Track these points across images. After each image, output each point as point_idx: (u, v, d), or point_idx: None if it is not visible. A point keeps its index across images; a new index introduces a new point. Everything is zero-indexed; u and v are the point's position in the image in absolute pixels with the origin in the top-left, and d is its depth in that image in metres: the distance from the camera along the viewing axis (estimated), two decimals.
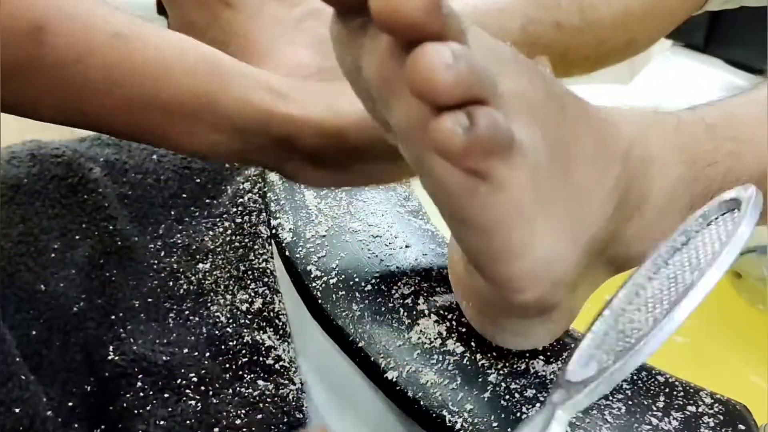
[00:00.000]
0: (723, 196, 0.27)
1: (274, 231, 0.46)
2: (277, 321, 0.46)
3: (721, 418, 0.34)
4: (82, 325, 0.44)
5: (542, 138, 0.27)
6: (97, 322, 0.44)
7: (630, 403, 0.34)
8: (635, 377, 0.36)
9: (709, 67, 0.96)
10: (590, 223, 0.30)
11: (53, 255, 0.47)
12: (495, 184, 0.24)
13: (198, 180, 0.57)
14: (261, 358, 0.42)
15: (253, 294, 0.47)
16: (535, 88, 0.28)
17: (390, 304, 0.39)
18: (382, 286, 0.40)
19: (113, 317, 0.44)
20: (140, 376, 0.40)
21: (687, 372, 0.38)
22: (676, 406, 0.34)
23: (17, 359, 0.38)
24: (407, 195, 0.49)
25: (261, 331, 0.45)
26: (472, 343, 0.37)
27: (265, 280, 0.48)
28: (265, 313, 0.46)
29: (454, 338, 0.37)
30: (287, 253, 0.44)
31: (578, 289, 0.33)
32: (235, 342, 0.43)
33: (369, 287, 0.40)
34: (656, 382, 0.35)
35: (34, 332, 0.43)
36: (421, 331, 0.37)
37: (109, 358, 0.41)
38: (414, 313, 0.38)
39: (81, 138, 0.55)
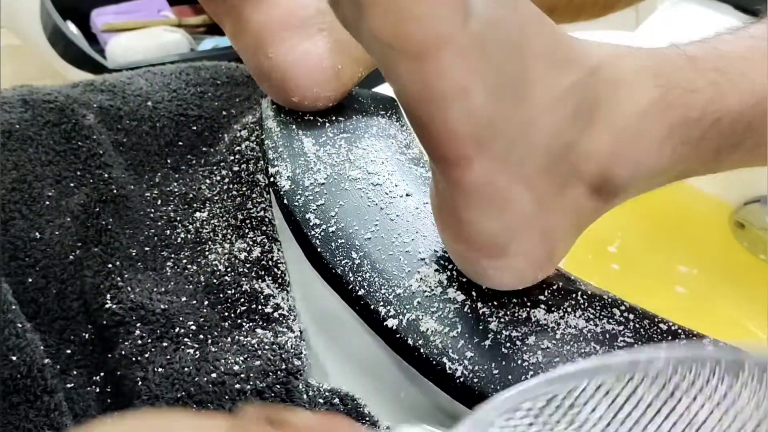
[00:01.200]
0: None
1: (272, 179, 0.45)
2: (275, 270, 0.45)
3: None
4: (78, 274, 0.43)
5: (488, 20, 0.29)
6: (93, 270, 0.43)
7: (632, 350, 0.34)
8: (638, 325, 0.35)
9: (717, 12, 0.94)
10: (540, 111, 0.31)
11: (48, 202, 0.46)
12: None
13: (194, 127, 0.56)
14: (260, 307, 0.41)
15: (251, 243, 0.46)
16: None
17: (390, 253, 0.39)
18: (382, 235, 0.40)
19: (110, 266, 0.44)
20: (138, 324, 0.40)
21: (685, 322, 0.38)
22: None
23: (13, 307, 0.37)
24: (407, 143, 0.48)
25: (260, 280, 0.44)
26: (473, 292, 0.36)
27: (264, 228, 0.48)
28: (263, 262, 0.45)
29: (455, 287, 0.36)
30: (285, 201, 0.43)
31: (556, 209, 0.33)
32: (233, 291, 0.43)
33: (368, 236, 0.40)
34: (659, 330, 0.35)
35: (30, 280, 0.42)
36: (421, 279, 0.37)
37: (107, 306, 0.41)
38: (414, 261, 0.38)
39: (73, 84, 0.54)
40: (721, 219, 0.77)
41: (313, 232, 0.41)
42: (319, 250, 0.40)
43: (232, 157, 0.53)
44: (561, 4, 0.59)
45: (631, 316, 0.36)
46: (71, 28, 0.91)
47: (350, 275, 0.38)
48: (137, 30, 0.91)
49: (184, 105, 0.57)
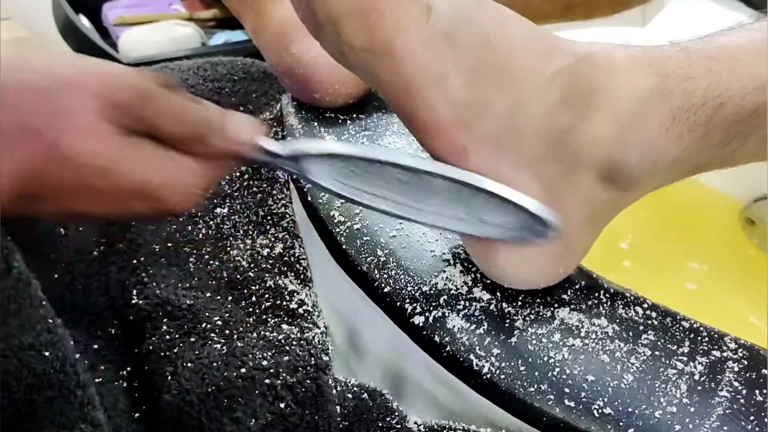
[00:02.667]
0: None
1: (294, 176, 0.45)
2: (298, 266, 0.46)
3: (746, 363, 0.34)
4: (104, 269, 0.44)
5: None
6: (118, 266, 0.44)
7: (655, 347, 0.34)
8: (659, 322, 0.36)
9: (727, 8, 0.94)
10: (526, 95, 0.32)
11: None
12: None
13: None
14: (284, 303, 0.42)
15: (273, 239, 0.47)
16: None
17: (415, 251, 0.39)
18: (407, 233, 0.40)
19: (135, 261, 0.44)
20: (165, 320, 0.40)
21: (696, 317, 0.38)
22: (701, 351, 0.34)
23: (44, 303, 0.38)
24: None
25: (282, 276, 0.45)
26: (498, 293, 0.37)
27: (284, 224, 0.48)
28: (285, 258, 0.46)
29: (480, 287, 0.37)
30: (309, 198, 0.43)
31: (567, 197, 0.34)
32: (257, 287, 0.43)
33: (393, 233, 0.40)
34: (681, 328, 0.36)
35: (56, 275, 0.43)
36: (447, 278, 0.37)
37: (133, 301, 0.42)
38: (440, 261, 0.38)
39: None
40: (731, 216, 0.77)
41: (337, 229, 0.41)
42: (344, 247, 0.40)
43: None
44: (577, 2, 0.59)
45: (653, 314, 0.36)
46: (83, 22, 0.91)
47: (376, 272, 0.38)
48: (149, 24, 0.91)
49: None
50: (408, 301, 0.37)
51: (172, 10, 0.97)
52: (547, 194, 0.33)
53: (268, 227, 0.48)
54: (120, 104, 0.27)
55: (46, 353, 0.35)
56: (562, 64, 0.32)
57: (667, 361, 0.34)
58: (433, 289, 0.37)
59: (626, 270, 0.72)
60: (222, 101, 0.58)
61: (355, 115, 0.50)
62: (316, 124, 0.49)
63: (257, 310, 0.42)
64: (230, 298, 0.43)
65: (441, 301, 0.36)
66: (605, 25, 0.80)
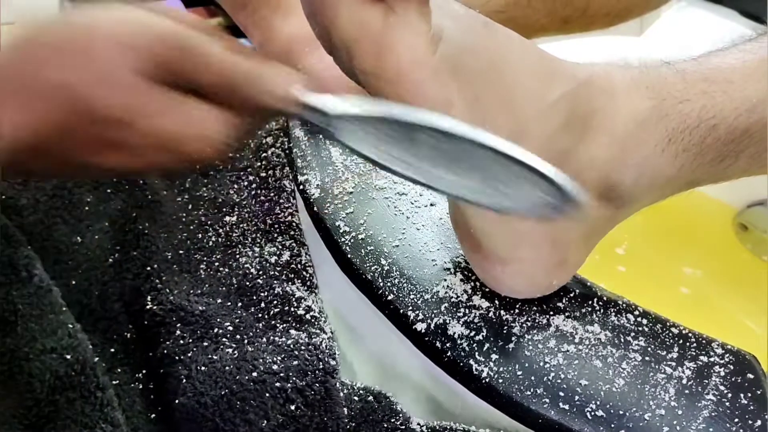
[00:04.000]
0: None
1: (301, 187, 0.47)
2: (304, 273, 0.48)
3: (732, 367, 0.36)
4: (119, 276, 0.46)
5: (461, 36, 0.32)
6: (133, 273, 0.46)
7: (645, 353, 0.36)
8: (650, 329, 0.38)
9: (724, 18, 0.96)
10: (530, 120, 0.33)
11: (87, 208, 0.48)
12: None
13: None
14: (292, 309, 0.44)
15: (280, 247, 0.49)
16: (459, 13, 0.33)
17: (417, 261, 0.41)
18: (409, 243, 0.42)
19: (148, 268, 0.46)
20: (179, 325, 0.42)
21: (690, 322, 0.40)
22: (689, 357, 0.36)
23: (63, 308, 0.40)
24: None
25: (290, 283, 0.46)
26: (496, 301, 0.38)
27: (292, 233, 0.50)
28: (293, 266, 0.48)
29: (479, 295, 0.39)
30: (315, 208, 0.45)
31: (565, 224, 0.35)
32: (266, 293, 0.45)
33: (396, 243, 0.42)
34: (671, 334, 0.38)
35: (73, 282, 0.45)
36: (448, 286, 0.39)
37: (147, 307, 0.43)
38: (440, 270, 0.40)
39: None
40: (724, 221, 0.79)
41: (343, 239, 0.43)
42: (349, 256, 0.42)
43: (258, 164, 0.56)
44: (575, 16, 0.61)
45: (644, 321, 0.38)
46: None
47: (380, 281, 0.40)
48: None
49: None
50: (411, 308, 0.38)
51: None
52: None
53: (275, 235, 0.50)
54: (156, 58, 0.27)
55: (68, 356, 0.37)
56: (565, 88, 0.34)
57: (657, 366, 0.36)
58: (435, 297, 0.39)
59: (621, 274, 0.74)
60: None
61: None
62: (320, 136, 0.51)
63: (266, 316, 0.44)
64: (240, 304, 0.45)
65: (442, 308, 0.38)
66: (603, 34, 0.82)
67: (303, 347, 0.40)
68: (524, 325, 0.37)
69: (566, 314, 0.38)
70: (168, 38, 0.27)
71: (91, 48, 0.26)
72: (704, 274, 0.73)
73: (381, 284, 0.40)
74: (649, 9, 0.65)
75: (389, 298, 0.39)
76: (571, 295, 0.39)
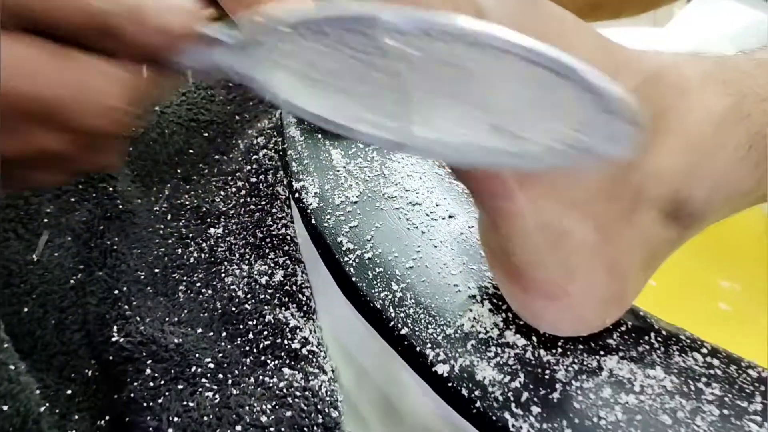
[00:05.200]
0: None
1: (297, 195, 0.40)
2: (300, 296, 0.41)
3: None
4: (80, 301, 0.39)
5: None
6: (98, 297, 0.39)
7: (723, 404, 0.29)
8: (723, 371, 0.31)
9: (752, 8, 0.89)
10: None
11: (46, 220, 0.41)
12: None
13: (206, 134, 0.51)
14: (285, 341, 0.37)
15: (272, 264, 0.42)
16: None
17: (436, 286, 0.34)
18: (426, 264, 0.35)
19: (116, 292, 0.39)
20: (149, 362, 0.35)
21: (733, 342, 0.33)
22: None
23: (5, 345, 0.33)
24: None
25: (283, 308, 0.40)
26: (534, 337, 0.31)
27: (286, 248, 0.43)
28: (287, 287, 0.41)
29: (513, 330, 0.32)
30: (314, 221, 0.38)
31: (624, 240, 0.29)
32: (254, 321, 0.38)
33: (410, 264, 0.35)
34: (749, 378, 0.31)
35: (25, 309, 0.38)
36: (474, 318, 0.32)
37: (113, 339, 0.37)
38: (464, 298, 0.33)
39: None
40: (760, 230, 0.73)
41: (346, 258, 0.36)
42: (354, 279, 0.35)
43: (248, 167, 0.49)
44: (605, 1, 0.55)
45: (716, 362, 0.31)
46: None
47: (391, 310, 0.33)
48: None
49: (194, 109, 0.52)
50: (430, 345, 0.31)
51: None
52: (600, 238, 0.28)
53: (266, 251, 0.43)
54: None
55: (5, 407, 0.30)
56: (630, 83, 0.27)
57: (738, 422, 0.29)
58: (459, 331, 0.32)
59: (653, 289, 0.67)
60: (216, 109, 0.53)
61: None
62: (320, 135, 0.44)
63: (255, 350, 0.37)
64: (224, 334, 0.38)
65: (468, 346, 0.31)
66: (624, 25, 0.76)
67: (298, 393, 0.33)
68: (570, 368, 0.30)
69: (620, 354, 0.31)
70: None
71: None
72: (743, 287, 0.66)
73: (392, 314, 0.33)
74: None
75: (403, 332, 0.32)
76: (623, 328, 0.33)
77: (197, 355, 0.36)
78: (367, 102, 0.21)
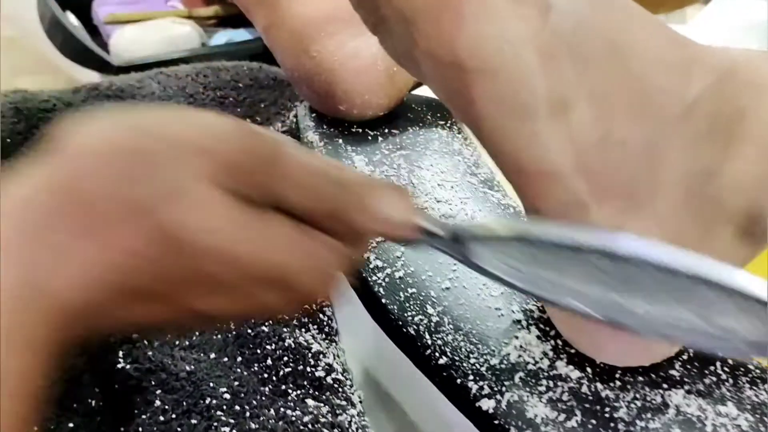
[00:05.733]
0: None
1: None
2: (320, 315, 0.38)
3: None
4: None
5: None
6: None
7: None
8: None
9: None
10: (666, 129, 0.24)
11: None
12: None
13: None
14: (308, 369, 0.34)
15: None
16: None
17: (476, 309, 0.31)
18: (464, 284, 0.32)
19: None
20: (159, 392, 0.32)
21: None
22: None
23: None
24: (475, 160, 0.40)
25: (303, 330, 0.36)
26: (588, 368, 0.28)
27: None
28: (306, 306, 0.37)
29: (564, 360, 0.29)
30: None
31: None
32: (273, 346, 0.35)
33: (446, 285, 0.32)
34: None
35: None
36: (521, 347, 0.29)
37: (119, 366, 0.33)
38: (509, 323, 0.30)
39: (75, 88, 0.46)
40: None
41: (374, 278, 0.33)
42: (384, 301, 0.32)
43: None
44: None
45: None
46: (71, 20, 0.83)
47: (427, 336, 0.30)
48: (143, 22, 0.82)
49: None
50: (472, 377, 0.28)
51: (169, 6, 0.88)
52: None
53: None
54: (240, 169, 0.20)
55: None
56: (704, 82, 0.24)
57: None
58: (505, 362, 0.29)
59: None
60: (226, 112, 0.49)
61: (386, 130, 0.42)
62: (340, 141, 0.41)
63: (274, 377, 0.34)
64: (240, 359, 0.35)
65: (516, 379, 0.28)
66: None
67: (326, 429, 0.30)
68: (632, 405, 0.27)
69: (686, 388, 0.28)
70: (251, 146, 0.20)
71: (160, 158, 0.19)
72: None
73: (429, 341, 0.30)
74: None
75: (441, 361, 0.29)
76: (685, 357, 0.29)
77: (211, 384, 0.33)
78: (566, 289, 0.23)
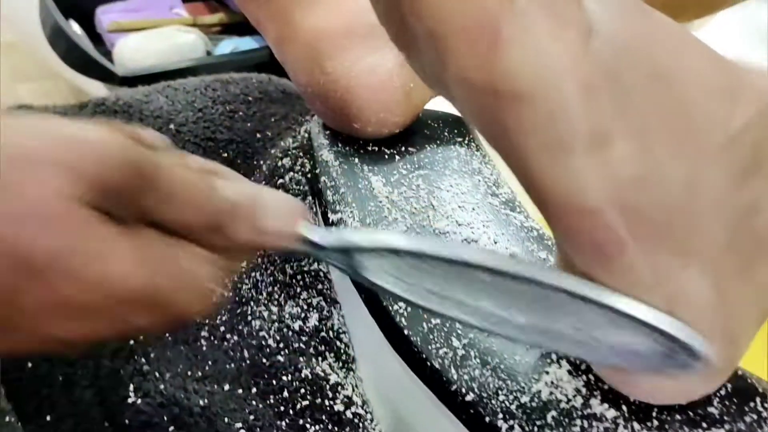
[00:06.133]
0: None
1: (333, 228, 0.36)
2: (337, 343, 0.36)
3: None
4: (92, 354, 0.34)
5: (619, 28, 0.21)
6: (111, 349, 0.34)
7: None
8: None
9: None
10: (710, 161, 0.23)
11: None
12: None
13: (225, 154, 0.47)
14: (326, 402, 0.32)
15: (305, 307, 0.37)
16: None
17: (505, 342, 0.29)
18: None
19: (132, 342, 0.34)
20: (171, 428, 0.31)
21: None
22: None
23: (6, 418, 0.28)
24: (495, 179, 0.39)
25: (320, 358, 0.35)
26: (624, 407, 0.27)
27: (319, 287, 0.39)
28: (323, 333, 0.36)
29: (598, 397, 0.27)
30: None
31: (742, 296, 0.25)
32: (289, 377, 0.34)
33: None
34: None
35: (29, 364, 0.33)
36: (552, 383, 0.28)
37: (130, 400, 0.32)
38: (538, 356, 0.29)
39: (80, 104, 0.45)
40: None
41: (395, 307, 0.31)
42: (406, 332, 0.31)
43: None
44: (658, 5, 0.50)
45: None
46: (74, 28, 0.82)
47: (452, 371, 0.29)
48: (147, 30, 0.81)
49: (212, 127, 0.47)
50: (502, 416, 0.27)
51: (174, 14, 0.87)
52: (718, 296, 0.24)
53: (298, 290, 0.39)
54: (106, 185, 0.19)
55: None
56: (750, 109, 0.23)
57: None
58: (536, 399, 0.27)
59: None
60: (236, 127, 0.48)
61: (403, 148, 0.41)
62: (356, 160, 0.40)
63: (291, 411, 0.32)
64: (255, 390, 0.34)
65: (549, 418, 0.27)
66: None
67: None
68: None
69: (726, 427, 0.27)
70: (120, 159, 0.19)
71: (13, 176, 0.18)
72: None
73: (454, 376, 0.29)
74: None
75: (468, 398, 0.28)
76: (723, 392, 0.28)
77: (226, 419, 0.31)
78: (452, 301, 0.24)
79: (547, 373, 0.28)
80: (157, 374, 0.33)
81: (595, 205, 0.21)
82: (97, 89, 0.87)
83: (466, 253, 0.22)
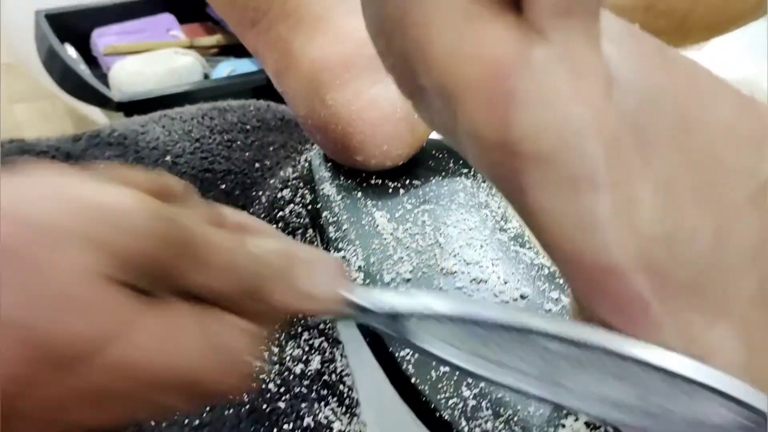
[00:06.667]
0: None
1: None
2: (340, 386, 0.35)
3: None
4: None
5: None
6: None
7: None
8: None
9: None
10: (737, 214, 0.21)
11: None
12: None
13: (223, 186, 0.46)
14: None
15: (307, 349, 0.36)
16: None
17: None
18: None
19: None
20: None
21: None
22: None
23: None
24: (503, 213, 0.38)
25: (322, 403, 0.34)
26: None
27: (321, 326, 0.37)
28: (325, 377, 0.35)
29: None
30: None
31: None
32: (291, 425, 0.32)
33: None
34: None
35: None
36: None
37: None
38: (553, 408, 0.27)
39: (74, 136, 0.43)
40: None
41: (402, 353, 0.30)
42: (413, 380, 0.29)
43: (273, 226, 0.43)
44: (669, 29, 0.49)
45: None
46: (69, 52, 0.81)
47: (464, 423, 0.27)
48: (144, 53, 0.80)
49: (210, 158, 0.46)
50: None
51: (171, 36, 0.86)
52: (749, 353, 0.22)
53: (299, 329, 0.37)
54: (135, 259, 0.17)
55: None
56: None
57: None
58: None
59: None
60: (234, 157, 0.47)
61: (408, 181, 0.39)
62: (359, 194, 0.38)
63: None
64: None
65: None
66: None
67: None
68: None
69: None
70: (149, 230, 0.17)
71: (32, 254, 0.16)
72: None
73: (465, 428, 0.27)
74: (753, 19, 0.53)
75: None
76: None
77: None
78: (508, 369, 0.23)
79: (563, 426, 0.27)
80: (152, 423, 0.32)
81: (618, 264, 0.20)
82: (92, 111, 0.86)
83: (518, 317, 0.20)
